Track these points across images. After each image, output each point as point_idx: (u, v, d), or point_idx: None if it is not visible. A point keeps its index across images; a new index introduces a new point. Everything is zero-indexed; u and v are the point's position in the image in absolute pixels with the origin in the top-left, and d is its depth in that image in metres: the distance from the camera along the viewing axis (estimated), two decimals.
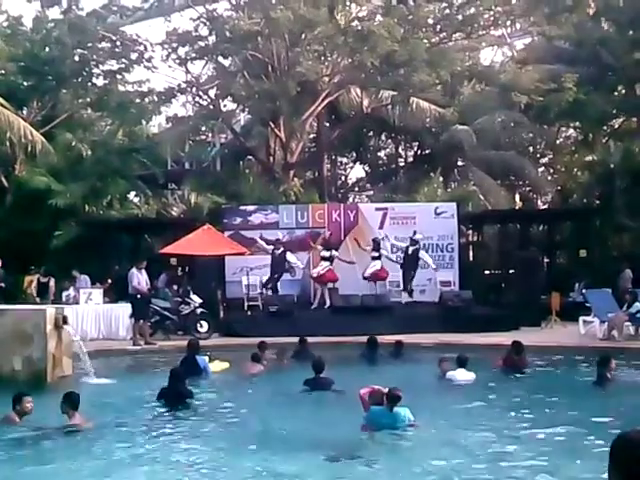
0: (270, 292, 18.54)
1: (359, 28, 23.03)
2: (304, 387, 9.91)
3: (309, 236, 19.87)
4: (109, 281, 18.87)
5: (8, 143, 22.14)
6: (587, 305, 16.54)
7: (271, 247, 18.82)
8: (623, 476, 2.29)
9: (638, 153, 23.17)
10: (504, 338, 13.86)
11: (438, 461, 6.78)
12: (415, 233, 18.86)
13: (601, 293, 16.71)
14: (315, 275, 18.60)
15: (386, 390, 7.69)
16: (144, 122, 28.40)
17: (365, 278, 18.65)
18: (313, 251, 19.46)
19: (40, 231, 21.60)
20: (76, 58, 25.26)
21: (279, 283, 18.88)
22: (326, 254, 18.59)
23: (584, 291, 17.97)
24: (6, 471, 6.58)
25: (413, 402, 8.23)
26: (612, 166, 22.71)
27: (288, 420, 8.37)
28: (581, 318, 16.26)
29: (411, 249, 18.70)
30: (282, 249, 18.74)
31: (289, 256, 18.79)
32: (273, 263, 18.63)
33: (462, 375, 10.60)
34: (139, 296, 15.53)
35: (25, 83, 25.28)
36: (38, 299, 17.97)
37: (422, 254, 18.82)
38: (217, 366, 12.01)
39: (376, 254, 18.58)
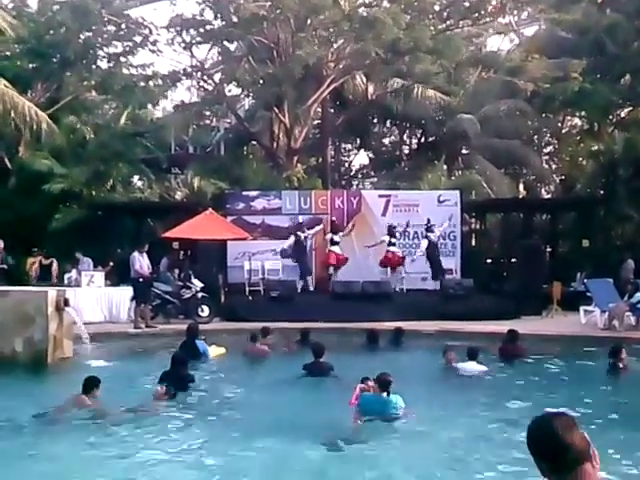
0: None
1: (364, 14, 22.94)
2: (303, 371, 9.94)
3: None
4: (111, 264, 18.89)
5: (13, 124, 22.07)
6: (588, 295, 16.53)
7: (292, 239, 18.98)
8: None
9: None
10: (505, 327, 13.86)
11: (433, 448, 6.81)
12: (429, 221, 18.90)
13: (602, 283, 16.69)
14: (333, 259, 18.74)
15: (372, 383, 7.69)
16: (149, 106, 28.34)
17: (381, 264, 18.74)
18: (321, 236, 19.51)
19: (43, 213, 21.63)
20: (81, 41, 25.20)
21: (281, 269, 19.01)
22: (337, 239, 18.80)
23: (585, 281, 17.95)
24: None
25: (411, 389, 8.28)
26: (616, 156, 22.61)
27: (284, 405, 8.39)
28: (582, 308, 16.26)
29: (432, 237, 18.81)
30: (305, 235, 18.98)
31: (301, 234, 18.90)
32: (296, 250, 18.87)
33: (472, 367, 10.35)
34: (141, 280, 15.58)
35: (30, 65, 25.23)
36: (37, 281, 17.99)
37: (431, 236, 18.85)
38: (214, 351, 12.05)
39: (393, 240, 18.65)
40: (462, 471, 6.24)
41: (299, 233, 18.91)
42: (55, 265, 18.69)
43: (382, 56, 23.35)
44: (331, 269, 18.92)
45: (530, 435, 2.50)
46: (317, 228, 19.38)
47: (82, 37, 25.19)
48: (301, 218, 19.62)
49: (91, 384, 8.03)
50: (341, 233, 19.15)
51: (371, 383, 7.78)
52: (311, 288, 18.92)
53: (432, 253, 18.81)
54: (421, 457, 6.60)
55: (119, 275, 17.92)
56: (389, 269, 18.83)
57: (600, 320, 15.36)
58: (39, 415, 7.68)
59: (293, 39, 23.52)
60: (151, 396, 8.44)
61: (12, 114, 21.25)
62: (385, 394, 7.52)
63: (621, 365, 10.05)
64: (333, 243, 18.89)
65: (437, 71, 24.49)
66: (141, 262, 15.64)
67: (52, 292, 11.75)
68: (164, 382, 9.22)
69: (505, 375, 10.57)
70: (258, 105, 27.95)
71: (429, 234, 18.77)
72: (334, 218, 19.60)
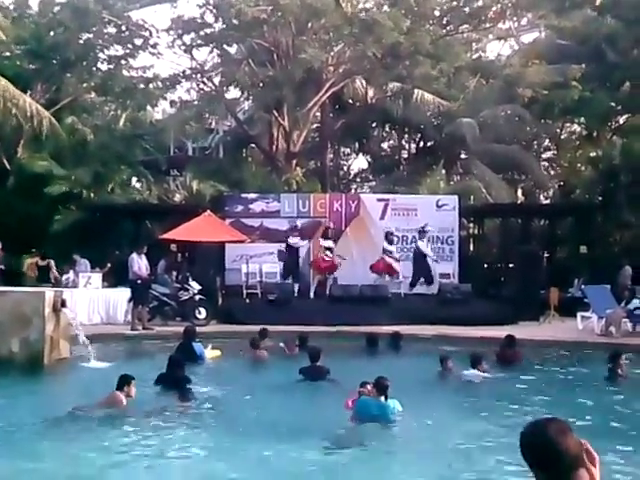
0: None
1: (365, 18, 22.96)
2: (299, 376, 9.93)
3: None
4: (108, 265, 18.88)
5: (14, 122, 22.00)
6: (586, 301, 16.55)
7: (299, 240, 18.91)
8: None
9: None
10: (502, 332, 13.84)
11: (428, 453, 6.80)
12: (426, 225, 18.87)
13: (600, 289, 16.71)
14: (320, 264, 18.62)
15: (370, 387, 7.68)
16: (148, 108, 28.36)
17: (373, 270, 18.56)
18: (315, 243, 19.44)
19: (41, 215, 21.61)
20: (81, 42, 25.22)
21: (278, 272, 19.04)
22: (328, 244, 18.61)
23: (583, 287, 17.97)
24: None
25: (409, 394, 8.27)
26: (614, 162, 22.65)
27: (280, 409, 8.37)
28: (579, 313, 16.27)
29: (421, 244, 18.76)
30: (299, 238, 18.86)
31: (290, 240, 18.77)
32: (286, 254, 18.80)
33: (474, 373, 10.25)
34: (139, 281, 15.58)
35: (30, 66, 25.23)
36: (34, 282, 17.98)
37: (420, 244, 18.79)
38: (210, 354, 12.04)
39: (392, 248, 18.53)
40: (459, 474, 6.24)
41: (289, 238, 18.79)
42: (53, 266, 18.67)
43: (382, 60, 23.38)
44: (320, 275, 18.80)
45: (523, 441, 2.48)
46: (304, 243, 19.21)
47: (82, 38, 25.20)
48: (299, 222, 19.53)
49: (124, 381, 8.07)
50: (329, 241, 18.79)
51: (370, 387, 7.77)
52: (311, 295, 18.71)
53: (417, 259, 18.72)
54: (418, 461, 6.59)
55: (117, 277, 17.89)
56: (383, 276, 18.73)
57: (597, 326, 15.37)
58: (74, 410, 7.70)
59: (294, 43, 23.55)
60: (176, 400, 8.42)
61: (13, 111, 21.16)
62: (383, 398, 7.51)
63: (620, 371, 10.05)
64: (326, 249, 18.62)
65: (437, 75, 24.52)
66: (139, 264, 15.63)
67: (49, 293, 11.74)
68: (160, 384, 9.24)
69: (503, 381, 10.55)
70: (257, 108, 27.97)
71: (419, 241, 18.71)
72: (331, 224, 19.49)
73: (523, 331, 14.53)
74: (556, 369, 11.90)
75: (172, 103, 27.40)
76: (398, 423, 7.56)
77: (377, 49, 22.61)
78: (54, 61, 25.25)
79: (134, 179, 26.40)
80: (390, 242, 18.61)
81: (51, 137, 22.55)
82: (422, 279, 18.81)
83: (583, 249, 21.92)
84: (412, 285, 18.83)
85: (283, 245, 19.08)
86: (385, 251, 18.49)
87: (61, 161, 22.87)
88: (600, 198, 24.19)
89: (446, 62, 24.05)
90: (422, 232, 18.79)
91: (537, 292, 18.38)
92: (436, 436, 7.31)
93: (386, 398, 7.53)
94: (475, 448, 6.94)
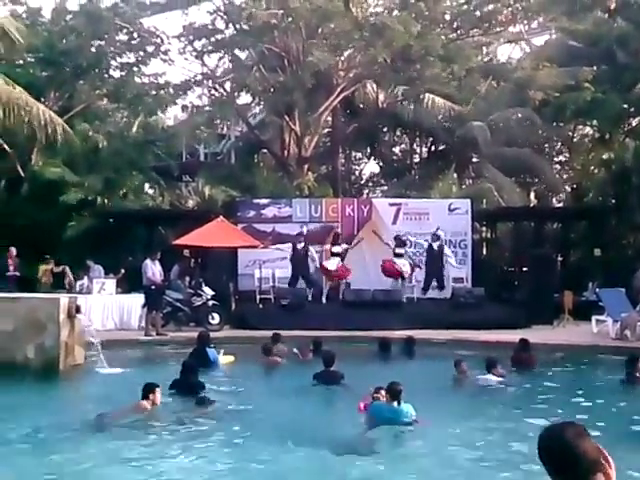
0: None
1: (375, 22, 22.99)
2: (313, 381, 9.93)
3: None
4: (122, 271, 18.95)
5: (27, 130, 22.13)
6: (600, 304, 16.46)
7: (289, 245, 18.72)
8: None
9: None
10: (516, 336, 13.79)
11: (444, 459, 6.77)
12: (438, 229, 18.84)
13: (614, 292, 16.61)
14: (326, 270, 18.56)
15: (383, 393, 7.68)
16: (160, 113, 28.50)
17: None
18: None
19: (55, 221, 21.74)
20: (93, 49, 25.41)
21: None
22: (337, 250, 18.50)
23: (597, 290, 17.86)
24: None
25: (424, 399, 8.25)
26: (627, 165, 22.53)
27: (294, 414, 8.36)
28: (594, 317, 16.18)
29: (435, 245, 18.69)
30: (304, 244, 18.60)
31: (311, 250, 18.63)
32: (294, 260, 18.57)
33: (490, 377, 10.20)
34: (153, 287, 15.64)
35: (43, 74, 25.42)
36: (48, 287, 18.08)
37: (446, 250, 18.75)
38: (223, 359, 12.06)
39: (401, 251, 18.48)
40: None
41: (297, 243, 18.64)
42: (68, 272, 18.77)
43: (392, 64, 23.38)
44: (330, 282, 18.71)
45: (541, 445, 2.49)
46: (315, 251, 18.91)
47: (94, 45, 25.40)
48: (305, 228, 19.42)
49: (149, 389, 8.11)
50: (344, 245, 18.68)
51: (383, 393, 7.76)
52: (323, 300, 18.62)
53: (430, 261, 18.67)
54: (431, 466, 6.57)
55: (130, 282, 17.97)
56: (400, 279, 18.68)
57: (612, 330, 15.28)
58: (99, 416, 7.76)
59: (304, 47, 23.60)
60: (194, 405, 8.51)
61: (27, 118, 21.27)
62: (396, 403, 7.50)
63: (638, 374, 9.99)
64: (333, 254, 18.51)
65: (447, 79, 24.49)
66: (153, 270, 15.70)
67: (64, 299, 11.80)
68: (174, 389, 9.27)
69: (518, 385, 10.51)
70: (268, 113, 28.05)
71: (433, 243, 18.68)
72: (338, 230, 19.46)
73: (537, 335, 14.46)
74: (571, 373, 11.85)
75: (184, 108, 27.52)
76: (412, 428, 7.54)
77: (387, 53, 22.62)
78: (67, 68, 25.44)
79: (147, 185, 26.51)
80: (400, 245, 18.53)
81: (64, 144, 22.67)
82: (435, 282, 18.76)
83: (597, 252, 21.79)
84: (425, 289, 18.79)
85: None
86: (396, 255, 18.44)
87: (74, 168, 23.01)
88: (613, 201, 24.08)
89: (457, 64, 24.01)
90: (435, 236, 18.75)
91: (551, 296, 18.29)
92: (450, 441, 7.28)
93: (399, 403, 7.52)
94: (488, 453, 6.91)
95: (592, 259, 22.18)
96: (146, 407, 8.05)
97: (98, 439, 7.24)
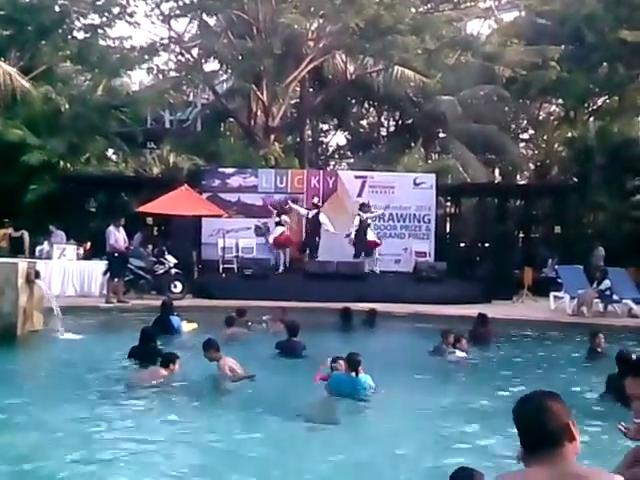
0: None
1: None
2: (275, 350, 9.95)
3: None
4: (89, 243, 18.64)
5: None
6: (559, 281, 16.75)
7: (306, 211, 19.01)
8: None
9: (616, 132, 23.30)
10: (476, 310, 13.97)
11: (401, 428, 6.86)
12: (366, 203, 18.95)
13: (573, 269, 16.93)
14: (271, 240, 18.82)
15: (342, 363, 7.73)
16: (124, 75, 27.90)
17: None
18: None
19: (15, 185, 21.24)
20: (57, 8, 24.71)
21: (255, 247, 19.03)
22: (279, 219, 18.83)
23: (556, 267, 18.17)
24: None
25: (383, 370, 8.33)
26: (590, 144, 22.81)
27: (254, 384, 8.36)
28: (552, 293, 16.46)
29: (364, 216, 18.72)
30: (316, 211, 18.83)
31: (322, 217, 18.76)
32: (308, 227, 18.88)
33: (456, 353, 10.30)
34: (116, 254, 15.48)
35: (4, 32, 24.68)
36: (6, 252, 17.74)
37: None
38: (186, 327, 12.03)
39: (365, 215, 18.64)
40: (431, 447, 6.31)
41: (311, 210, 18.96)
42: (26, 237, 18.44)
43: (362, 33, 23.16)
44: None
45: (516, 411, 2.60)
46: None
47: (58, 4, 24.69)
48: (268, 200, 19.54)
49: (170, 358, 8.19)
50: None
51: (342, 362, 7.81)
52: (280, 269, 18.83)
53: (359, 232, 18.74)
54: (388, 435, 6.65)
55: (93, 249, 17.75)
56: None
57: (569, 306, 15.58)
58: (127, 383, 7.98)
59: (274, 13, 23.26)
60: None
61: None
62: (354, 373, 7.56)
63: (599, 350, 10.22)
64: (278, 224, 18.83)
65: (417, 51, 24.34)
66: (116, 236, 15.53)
67: (22, 264, 11.59)
68: (132, 357, 9.22)
69: (478, 359, 10.65)
70: (236, 81, 27.68)
71: (360, 213, 18.72)
72: (315, 199, 19.46)
73: (496, 310, 14.69)
74: (528, 348, 12.05)
75: (149, 71, 26.96)
76: (369, 399, 7.61)
77: (358, 21, 22.34)
78: (29, 27, 24.69)
79: (110, 151, 26.06)
80: (365, 212, 18.61)
81: (24, 105, 22.12)
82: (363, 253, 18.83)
83: (557, 229, 22.12)
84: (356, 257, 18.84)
85: (260, 221, 19.04)
86: (361, 222, 18.47)
87: (35, 130, 22.43)
88: (575, 179, 24.41)
89: (427, 35, 23.86)
90: (365, 206, 18.78)
91: (511, 272, 18.58)
92: (406, 412, 7.37)
93: (357, 374, 7.57)
94: (444, 421, 7.02)
95: (552, 236, 22.51)
96: (164, 374, 8.11)
97: (50, 404, 7.17)
